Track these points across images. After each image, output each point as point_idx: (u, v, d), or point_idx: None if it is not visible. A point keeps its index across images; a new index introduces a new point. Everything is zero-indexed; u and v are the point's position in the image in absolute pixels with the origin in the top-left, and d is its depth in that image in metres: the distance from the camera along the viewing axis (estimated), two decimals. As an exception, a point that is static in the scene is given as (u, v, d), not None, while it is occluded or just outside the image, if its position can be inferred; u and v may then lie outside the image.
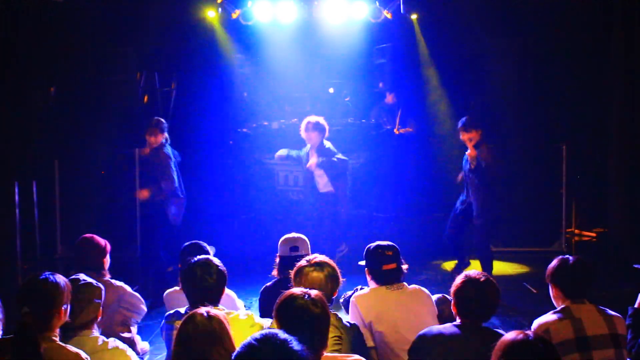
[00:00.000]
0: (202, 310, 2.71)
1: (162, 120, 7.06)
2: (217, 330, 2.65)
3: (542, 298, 6.30)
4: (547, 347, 2.27)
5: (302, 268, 3.37)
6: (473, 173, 6.49)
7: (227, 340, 2.64)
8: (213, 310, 2.71)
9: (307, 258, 3.45)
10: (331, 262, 3.43)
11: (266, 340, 2.06)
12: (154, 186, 6.88)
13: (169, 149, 6.98)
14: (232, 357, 2.09)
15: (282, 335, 2.08)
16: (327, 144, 7.28)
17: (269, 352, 2.04)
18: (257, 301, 4.53)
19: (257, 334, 2.10)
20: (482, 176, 6.46)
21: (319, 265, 3.36)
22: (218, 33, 9.45)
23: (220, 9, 9.24)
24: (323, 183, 7.31)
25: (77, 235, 4.62)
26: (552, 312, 3.39)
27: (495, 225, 7.03)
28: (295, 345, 2.06)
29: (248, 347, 2.06)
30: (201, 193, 9.19)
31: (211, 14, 9.26)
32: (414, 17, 9.38)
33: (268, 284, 4.43)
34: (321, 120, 7.25)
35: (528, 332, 2.32)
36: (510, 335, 2.32)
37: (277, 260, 4.46)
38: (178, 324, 3.35)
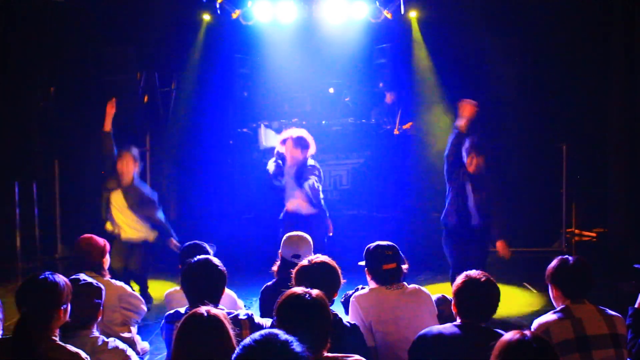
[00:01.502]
0: (203, 309, 2.70)
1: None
2: (217, 330, 2.63)
3: (541, 298, 6.33)
4: (543, 346, 2.27)
5: (303, 268, 3.37)
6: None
7: (227, 340, 2.63)
8: (213, 310, 2.71)
9: (309, 258, 3.45)
10: (332, 262, 3.44)
11: (266, 342, 2.01)
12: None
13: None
14: (232, 359, 2.04)
15: (283, 336, 2.03)
16: (311, 161, 6.10)
17: (269, 354, 1.99)
18: (257, 301, 4.53)
19: (256, 334, 2.05)
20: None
21: (320, 265, 3.36)
22: (218, 33, 9.45)
23: (220, 9, 9.24)
24: (304, 205, 6.09)
25: (77, 235, 4.62)
26: (552, 312, 3.39)
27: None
28: (296, 346, 2.01)
29: (247, 349, 2.01)
30: (201, 193, 9.20)
31: (211, 14, 9.27)
32: (413, 16, 9.38)
33: (268, 283, 4.43)
34: (305, 134, 6.08)
35: (525, 332, 2.31)
36: (507, 336, 2.32)
37: (279, 260, 4.46)
38: (178, 324, 3.36)
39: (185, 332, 2.64)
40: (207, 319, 2.64)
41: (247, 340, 2.04)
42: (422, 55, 9.47)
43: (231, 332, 2.65)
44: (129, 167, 6.03)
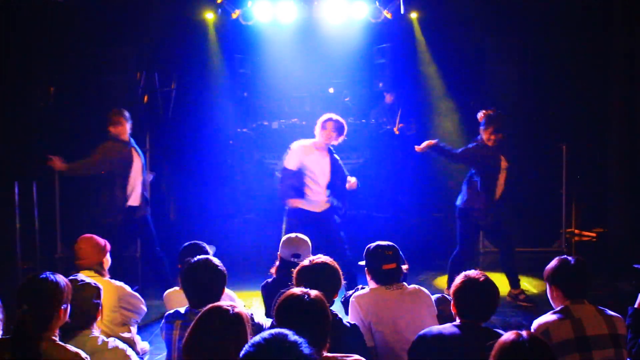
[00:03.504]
0: (227, 305, 2.64)
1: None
2: (237, 328, 2.57)
3: (542, 298, 6.33)
4: (539, 347, 2.26)
5: (304, 268, 3.37)
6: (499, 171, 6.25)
7: (244, 341, 2.58)
8: (238, 308, 2.65)
9: (310, 258, 3.45)
10: (333, 263, 3.44)
11: (276, 341, 2.01)
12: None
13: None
14: (240, 356, 2.03)
15: (293, 337, 2.03)
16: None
17: (278, 353, 1.99)
18: (254, 303, 4.53)
19: (266, 333, 2.05)
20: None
21: (321, 266, 3.36)
22: (218, 33, 9.45)
23: (220, 9, 9.24)
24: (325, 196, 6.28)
25: (77, 235, 4.62)
26: (551, 312, 3.38)
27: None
28: (305, 348, 2.01)
29: (257, 347, 2.01)
30: (201, 193, 9.19)
31: (211, 15, 9.27)
32: (413, 16, 9.38)
33: (268, 280, 4.44)
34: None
35: (522, 332, 2.31)
36: (504, 336, 2.32)
37: (278, 261, 4.46)
38: (178, 324, 3.36)
39: (205, 324, 2.59)
40: (232, 316, 2.59)
41: (257, 338, 2.04)
42: (422, 55, 9.47)
43: (249, 336, 2.57)
44: (124, 126, 6.28)
